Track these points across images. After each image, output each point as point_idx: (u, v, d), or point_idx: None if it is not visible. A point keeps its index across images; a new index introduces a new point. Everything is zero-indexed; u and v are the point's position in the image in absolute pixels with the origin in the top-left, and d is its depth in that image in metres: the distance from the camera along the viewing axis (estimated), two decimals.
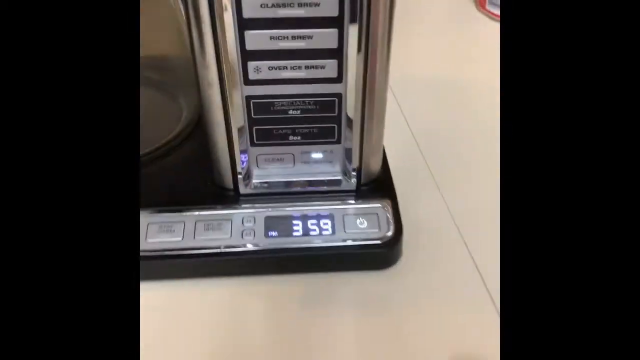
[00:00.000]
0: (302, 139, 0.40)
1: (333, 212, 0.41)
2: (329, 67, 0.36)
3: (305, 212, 0.41)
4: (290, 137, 0.40)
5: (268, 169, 0.42)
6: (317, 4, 0.33)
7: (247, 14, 0.33)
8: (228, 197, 0.42)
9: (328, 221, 0.41)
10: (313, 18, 0.34)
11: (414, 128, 0.55)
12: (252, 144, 0.40)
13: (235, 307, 0.39)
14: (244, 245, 0.40)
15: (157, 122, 0.50)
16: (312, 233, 0.40)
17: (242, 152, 0.40)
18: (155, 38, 0.51)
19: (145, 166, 0.45)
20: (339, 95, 0.38)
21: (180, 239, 0.39)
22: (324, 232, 0.40)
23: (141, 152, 0.46)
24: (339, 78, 0.37)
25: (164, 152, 0.47)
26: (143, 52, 0.51)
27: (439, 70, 0.64)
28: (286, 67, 0.36)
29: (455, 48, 0.70)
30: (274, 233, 0.40)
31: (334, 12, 0.34)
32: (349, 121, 0.39)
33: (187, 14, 0.34)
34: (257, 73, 0.36)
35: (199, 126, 0.50)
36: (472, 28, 0.74)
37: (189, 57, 0.53)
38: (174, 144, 0.48)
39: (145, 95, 0.51)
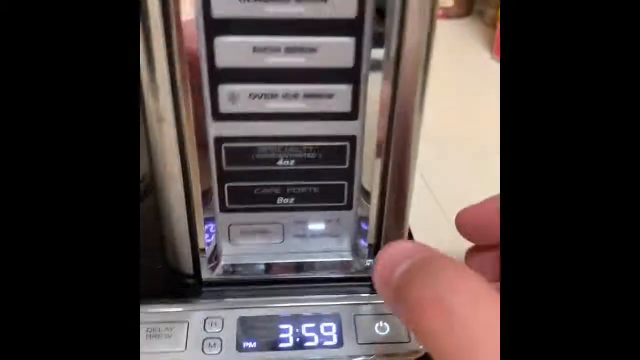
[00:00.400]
0: (295, 202, 0.27)
1: (339, 310, 0.28)
2: (340, 97, 0.24)
3: (298, 312, 0.28)
4: (279, 200, 0.27)
5: (245, 245, 0.29)
6: None
7: (218, 10, 0.22)
8: (184, 286, 0.29)
9: (332, 325, 0.28)
10: (318, 21, 0.22)
11: (440, 197, 0.43)
12: (223, 208, 0.27)
13: None
14: None
15: None
16: (308, 344, 0.27)
17: (208, 220, 0.27)
18: None
19: None
20: (351, 139, 0.26)
21: None
22: (327, 343, 0.27)
23: None
24: (354, 113, 0.25)
25: None
26: None
27: (460, 128, 0.53)
28: (276, 95, 0.24)
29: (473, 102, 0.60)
30: (251, 344, 0.27)
31: (351, 13, 0.22)
32: (366, 178, 0.27)
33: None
34: (233, 103, 0.24)
35: (150, 190, 0.37)
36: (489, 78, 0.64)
37: None
38: None
39: None
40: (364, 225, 0.28)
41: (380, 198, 0.27)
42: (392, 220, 0.29)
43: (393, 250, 0.21)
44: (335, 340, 0.27)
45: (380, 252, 0.22)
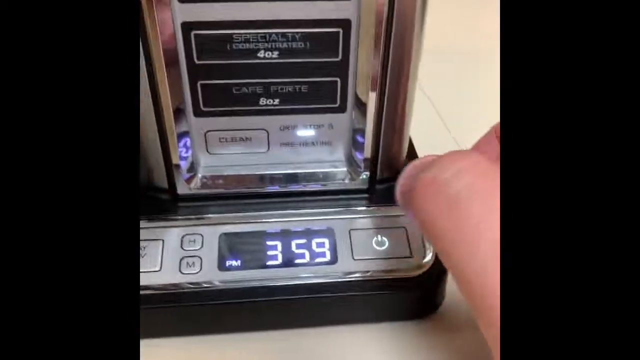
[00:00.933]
0: (281, 103, 0.24)
1: (333, 225, 0.25)
2: None
3: (287, 226, 0.25)
4: (262, 101, 0.24)
5: (225, 155, 0.25)
6: None
7: None
8: (158, 202, 0.26)
9: (325, 240, 0.25)
10: None
11: (441, 110, 0.39)
12: (198, 112, 0.24)
13: None
14: (184, 285, 0.23)
15: None
16: (298, 261, 0.24)
17: (181, 126, 0.24)
18: None
19: None
20: (345, 24, 0.22)
21: None
22: (319, 260, 0.24)
23: None
24: None
25: None
26: None
27: (462, 43, 0.48)
28: None
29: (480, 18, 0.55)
30: (234, 262, 0.24)
31: None
32: (362, 73, 0.23)
33: None
34: None
35: None
36: None
37: None
38: None
39: None
40: (359, 138, 0.25)
41: (378, 101, 0.24)
42: (391, 128, 0.25)
43: (414, 165, 0.19)
44: (328, 257, 0.24)
45: (402, 171, 0.19)
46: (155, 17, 0.20)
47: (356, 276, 0.24)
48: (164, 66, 0.22)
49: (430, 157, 0.19)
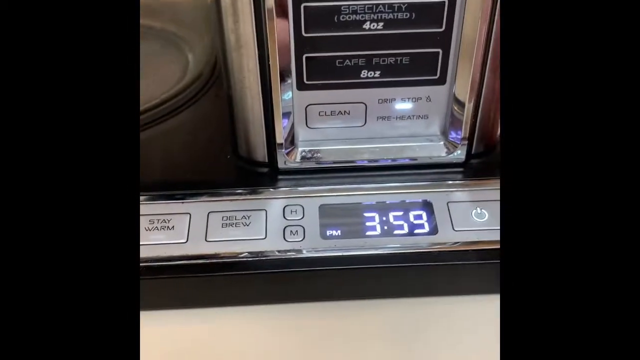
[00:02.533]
0: (382, 75, 0.24)
1: (431, 198, 0.26)
2: None
3: (384, 199, 0.26)
4: (363, 73, 0.24)
5: (323, 129, 0.26)
6: None
7: None
8: (260, 175, 0.27)
9: (423, 213, 0.25)
10: None
11: None
12: (301, 85, 0.24)
13: (275, 354, 0.23)
14: (288, 252, 0.24)
15: (155, 77, 0.35)
16: (397, 232, 0.25)
17: (285, 100, 0.25)
18: None
19: None
20: None
21: (183, 240, 0.24)
22: (419, 231, 0.24)
23: None
24: None
25: (164, 112, 0.32)
26: None
27: None
28: None
29: None
30: (335, 232, 0.25)
31: None
32: (465, 44, 0.23)
33: None
34: None
35: (211, 83, 0.35)
36: None
37: None
38: (177, 102, 0.33)
39: (141, 46, 0.37)
40: (457, 112, 0.25)
41: (480, 74, 0.24)
42: (490, 103, 0.25)
43: None
44: (428, 229, 0.24)
45: None
46: None
47: (460, 246, 0.24)
48: (276, 40, 0.22)
49: None
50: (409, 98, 0.25)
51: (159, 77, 0.36)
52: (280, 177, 0.27)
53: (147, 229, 0.24)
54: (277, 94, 0.24)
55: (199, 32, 0.37)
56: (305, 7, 0.22)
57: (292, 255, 0.24)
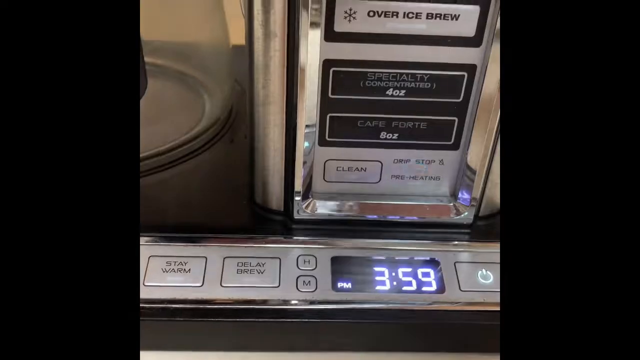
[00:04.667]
0: (399, 137, 0.26)
1: (439, 256, 0.27)
2: (466, 18, 0.22)
3: (393, 255, 0.27)
4: (382, 135, 0.26)
5: (339, 183, 0.27)
6: None
7: None
8: (275, 223, 0.28)
9: (431, 271, 0.26)
10: None
11: None
12: (322, 141, 0.26)
13: None
14: (300, 302, 0.25)
15: (172, 119, 0.36)
16: (406, 288, 0.25)
17: (306, 155, 0.26)
18: (178, 22, 0.39)
19: (151, 173, 0.31)
20: (471, 69, 0.24)
21: (199, 284, 0.25)
22: (426, 288, 0.25)
23: (148, 153, 0.32)
24: (478, 39, 0.23)
25: (180, 154, 0.33)
26: (162, 37, 0.39)
27: None
28: (396, 14, 0.22)
29: None
30: (346, 284, 0.25)
31: None
32: (480, 114, 0.25)
33: None
34: (350, 21, 0.22)
35: (227, 127, 0.36)
36: None
37: (218, 43, 0.41)
38: (193, 146, 0.34)
39: (161, 88, 0.38)
40: (468, 176, 0.26)
41: (492, 142, 0.25)
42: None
43: None
44: (436, 286, 0.25)
45: None
46: (302, 54, 0.23)
47: (466, 306, 0.25)
48: (305, 100, 0.24)
49: None
50: (423, 160, 0.26)
51: (177, 119, 0.37)
52: (294, 226, 0.28)
53: (164, 270, 0.25)
54: (300, 148, 0.25)
55: (218, 78, 0.38)
56: (334, 71, 0.24)
57: (305, 305, 0.24)
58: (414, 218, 0.28)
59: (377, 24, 0.22)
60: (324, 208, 0.27)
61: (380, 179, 0.27)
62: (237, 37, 0.38)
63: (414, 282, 0.26)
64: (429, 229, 0.28)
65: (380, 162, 0.27)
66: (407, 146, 0.26)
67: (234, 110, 0.37)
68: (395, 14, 0.22)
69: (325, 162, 0.27)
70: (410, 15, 0.22)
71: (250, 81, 0.25)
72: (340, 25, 0.22)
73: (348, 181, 0.27)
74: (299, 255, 0.26)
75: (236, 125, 0.36)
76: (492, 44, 0.23)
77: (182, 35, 0.41)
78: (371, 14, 0.22)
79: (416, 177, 0.27)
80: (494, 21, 0.22)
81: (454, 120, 0.25)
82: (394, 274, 0.26)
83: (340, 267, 0.26)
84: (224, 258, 0.26)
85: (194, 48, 0.41)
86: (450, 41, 0.23)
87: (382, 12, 0.22)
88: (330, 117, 0.25)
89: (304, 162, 0.26)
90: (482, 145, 0.25)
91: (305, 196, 0.27)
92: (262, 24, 0.23)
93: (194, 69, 0.40)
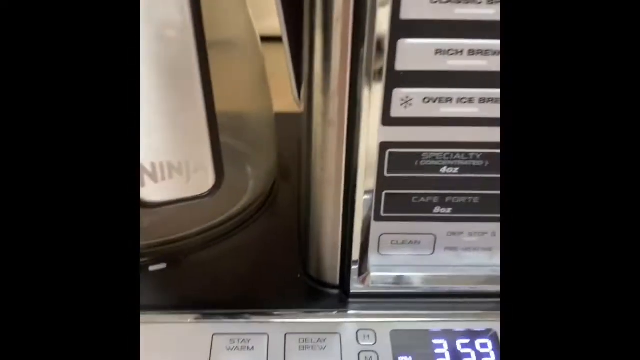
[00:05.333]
0: (452, 212, 0.27)
1: (495, 327, 0.27)
2: None
3: (451, 327, 0.27)
4: (436, 209, 0.26)
5: (394, 256, 0.28)
6: None
7: (407, 12, 0.22)
8: (331, 297, 0.28)
9: (488, 342, 0.26)
10: None
11: None
12: (378, 217, 0.27)
13: None
14: None
15: (219, 193, 0.37)
16: None
17: (362, 231, 0.27)
18: (221, 92, 0.40)
19: (200, 250, 0.32)
20: None
21: None
22: None
23: (197, 229, 0.33)
24: None
25: (228, 229, 0.34)
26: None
27: None
28: (450, 100, 0.24)
29: None
30: (407, 358, 0.26)
31: None
32: None
33: (312, 3, 0.22)
34: (406, 107, 0.24)
35: (271, 200, 0.37)
36: None
37: (263, 114, 0.43)
38: (240, 219, 0.35)
39: None
40: None
41: None
42: None
43: None
44: (494, 357, 0.26)
45: None
46: (362, 139, 0.24)
47: None
48: (363, 179, 0.25)
49: None
50: (475, 232, 0.27)
51: (222, 193, 0.38)
52: (350, 300, 0.28)
53: (228, 348, 0.26)
54: (357, 224, 0.26)
55: (262, 150, 0.40)
56: (390, 152, 0.25)
57: None
58: (469, 288, 0.28)
59: (432, 109, 0.24)
60: (379, 281, 0.28)
61: (434, 251, 0.28)
62: (278, 104, 0.39)
63: (472, 354, 0.26)
64: (484, 298, 0.28)
65: (434, 235, 0.27)
66: (460, 219, 0.27)
67: (276, 183, 0.38)
68: (449, 100, 0.24)
69: (380, 236, 0.27)
70: (464, 100, 0.24)
71: (308, 164, 0.26)
72: (397, 111, 0.24)
73: (403, 254, 0.28)
74: (359, 330, 0.27)
75: (280, 197, 0.37)
76: None
77: (222, 105, 0.43)
78: (426, 100, 0.24)
79: (469, 249, 0.28)
80: None
81: None
82: (452, 346, 0.26)
83: (400, 341, 0.26)
84: (285, 334, 0.26)
85: (236, 118, 0.43)
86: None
87: (436, 98, 0.23)
88: (385, 194, 0.26)
89: (360, 237, 0.27)
90: None
91: (360, 270, 0.28)
92: (322, 113, 0.24)
93: (238, 141, 0.41)
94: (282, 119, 0.38)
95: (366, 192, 0.26)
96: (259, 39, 0.37)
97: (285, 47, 0.26)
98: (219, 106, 0.41)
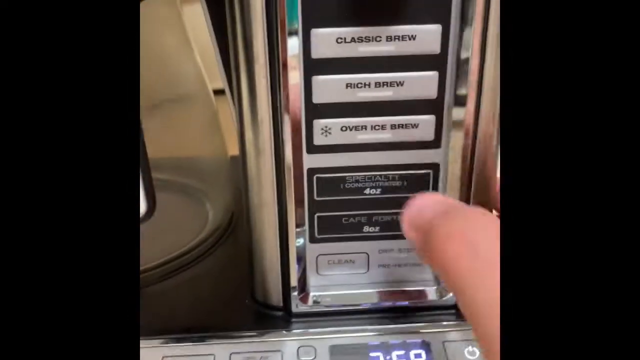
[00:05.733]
0: (381, 230, 0.29)
1: (428, 338, 0.29)
2: (424, 127, 0.26)
3: (387, 339, 0.29)
4: (365, 229, 0.29)
5: (330, 276, 0.30)
6: (412, 37, 0.24)
7: (317, 52, 0.25)
8: (275, 318, 0.30)
9: (422, 352, 0.28)
10: (406, 57, 0.25)
11: None
12: (312, 239, 0.29)
13: None
14: None
15: (177, 229, 0.40)
16: None
17: (299, 252, 0.29)
18: (180, 140, 0.43)
19: (161, 280, 0.34)
20: (434, 167, 0.27)
21: None
22: None
23: (157, 262, 0.35)
24: (437, 142, 0.27)
25: (186, 261, 0.36)
26: (168, 154, 0.44)
27: None
28: (364, 127, 0.26)
29: None
30: None
31: (435, 48, 0.25)
32: None
33: (235, 49, 0.25)
34: (326, 135, 0.26)
35: (229, 233, 0.39)
36: None
37: (217, 156, 0.45)
38: (198, 252, 0.37)
39: (165, 200, 0.42)
40: None
41: None
42: None
43: (422, 199, 0.22)
44: None
45: (410, 200, 0.22)
46: (290, 165, 0.27)
47: None
48: (293, 202, 0.27)
49: (433, 197, 0.23)
50: (404, 249, 0.29)
51: (181, 227, 0.40)
52: (293, 320, 0.30)
53: None
54: (292, 246, 0.28)
55: (219, 187, 0.42)
56: (317, 177, 0.27)
57: None
58: (404, 303, 0.30)
59: (349, 137, 0.26)
60: (319, 300, 0.30)
61: (368, 269, 0.30)
62: (234, 148, 0.42)
63: None
64: (417, 312, 0.30)
65: (367, 253, 0.29)
66: (389, 237, 0.29)
67: (234, 216, 0.41)
68: (364, 127, 0.26)
69: (317, 257, 0.29)
70: (377, 127, 0.26)
71: (245, 189, 0.28)
72: (319, 140, 0.26)
73: (339, 273, 0.30)
74: (300, 347, 0.28)
75: (237, 230, 0.40)
76: (449, 145, 0.27)
77: (182, 151, 0.46)
78: (343, 128, 0.26)
79: (400, 265, 0.30)
80: (450, 126, 0.26)
81: None
82: (388, 357, 0.28)
83: (338, 355, 0.28)
84: (231, 354, 0.28)
85: (194, 162, 0.46)
86: (414, 145, 0.27)
87: (352, 126, 0.26)
88: (317, 216, 0.28)
89: (298, 259, 0.29)
90: None
91: (301, 290, 0.30)
92: (252, 142, 0.27)
93: (195, 179, 0.44)
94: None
95: (299, 216, 0.28)
96: (211, 92, 0.41)
97: (226, 90, 0.29)
98: (176, 151, 0.44)
